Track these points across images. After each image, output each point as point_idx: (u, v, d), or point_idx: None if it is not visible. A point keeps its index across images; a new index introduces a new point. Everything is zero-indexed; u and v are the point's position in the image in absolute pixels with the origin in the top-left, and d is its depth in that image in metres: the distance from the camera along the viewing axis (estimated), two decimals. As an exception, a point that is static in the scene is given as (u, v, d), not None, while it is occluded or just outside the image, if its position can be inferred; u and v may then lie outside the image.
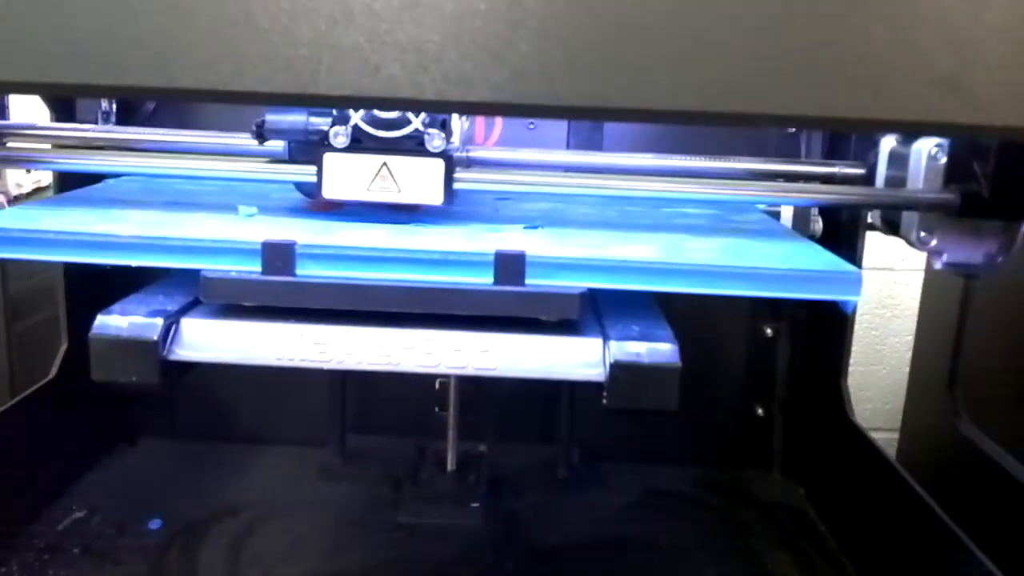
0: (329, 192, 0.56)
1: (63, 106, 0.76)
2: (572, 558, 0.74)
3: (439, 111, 0.54)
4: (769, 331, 0.88)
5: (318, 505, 0.79)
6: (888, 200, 0.59)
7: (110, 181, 0.73)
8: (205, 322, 0.50)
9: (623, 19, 0.36)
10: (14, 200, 1.06)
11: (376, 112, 0.56)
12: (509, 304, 0.49)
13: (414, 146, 0.56)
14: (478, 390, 0.83)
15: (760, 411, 0.90)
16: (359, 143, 0.56)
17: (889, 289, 1.25)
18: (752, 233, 0.61)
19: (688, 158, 0.67)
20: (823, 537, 0.79)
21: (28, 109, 0.76)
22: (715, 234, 0.60)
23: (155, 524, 0.74)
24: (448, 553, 0.73)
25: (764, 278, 0.50)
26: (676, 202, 0.66)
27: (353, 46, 0.35)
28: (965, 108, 0.37)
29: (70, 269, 0.77)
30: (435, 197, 0.56)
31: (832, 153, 0.78)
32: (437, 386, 0.82)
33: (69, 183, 0.74)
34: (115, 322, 0.48)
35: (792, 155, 0.81)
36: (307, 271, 0.50)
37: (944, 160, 0.55)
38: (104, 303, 0.51)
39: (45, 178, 0.97)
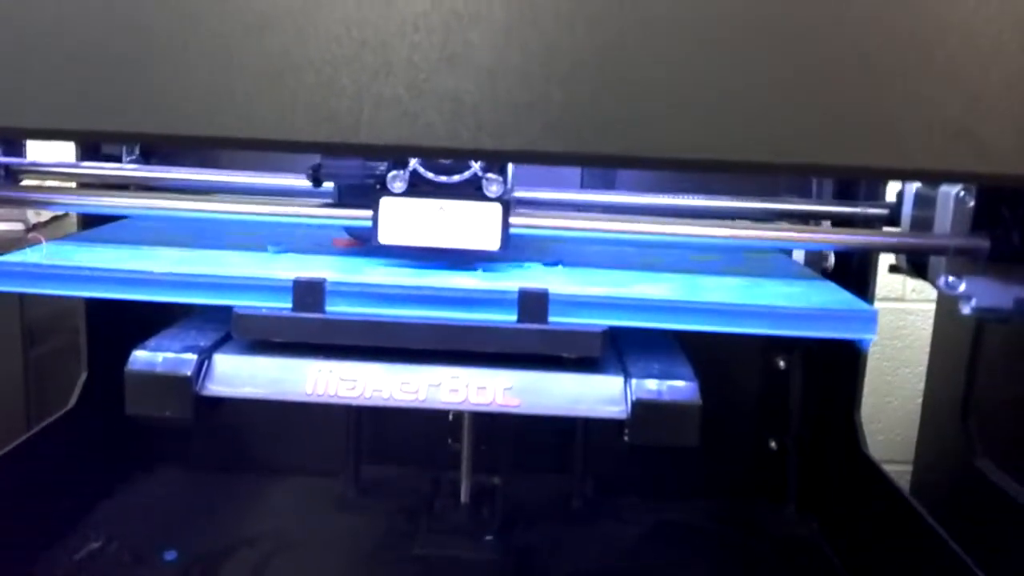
0: (386, 237, 0.56)
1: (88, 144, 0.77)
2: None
3: (474, 158, 0.55)
4: (782, 364, 0.89)
5: (333, 536, 0.80)
6: (916, 245, 0.60)
7: (135, 218, 0.74)
8: (237, 358, 0.51)
9: (647, 74, 0.37)
10: (33, 228, 1.08)
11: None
12: (532, 342, 0.50)
13: (471, 191, 0.56)
14: (492, 422, 0.83)
15: (774, 444, 0.90)
16: (415, 187, 0.56)
17: (900, 320, 1.25)
18: (768, 272, 0.63)
19: (712, 198, 0.68)
20: (837, 571, 0.79)
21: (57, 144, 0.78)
22: (732, 273, 0.61)
23: (170, 555, 0.75)
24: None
25: (781, 317, 0.51)
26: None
27: (393, 96, 0.37)
28: (979, 158, 0.38)
29: (92, 300, 0.78)
30: (492, 243, 0.56)
31: (844, 191, 0.80)
32: (451, 417, 0.82)
33: (93, 217, 0.75)
34: (150, 357, 0.50)
35: (803, 191, 0.83)
36: (336, 308, 0.51)
37: (972, 204, 0.55)
38: (124, 334, 0.52)
39: (44, 213, 0.98)
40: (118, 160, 0.80)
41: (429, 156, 0.54)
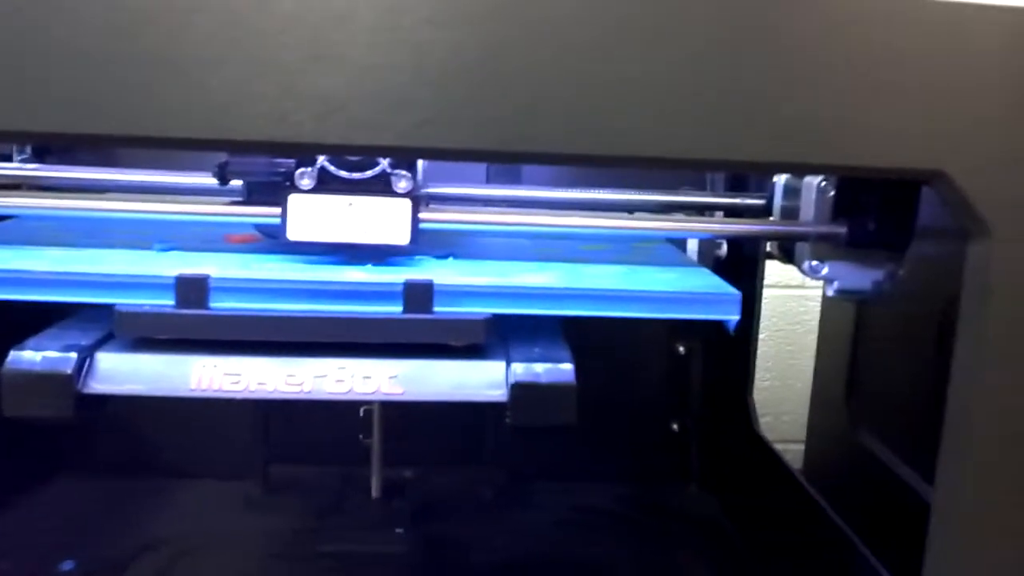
0: (294, 234, 0.57)
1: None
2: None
3: (345, 153, 0.56)
4: (682, 349, 0.93)
5: (240, 538, 0.79)
6: (781, 232, 0.64)
7: (22, 218, 0.73)
8: (119, 355, 0.51)
9: (516, 69, 0.39)
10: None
11: None
12: (418, 331, 0.52)
13: (380, 187, 0.57)
14: (403, 416, 0.84)
15: (676, 426, 0.94)
16: (324, 184, 0.57)
17: (801, 306, 1.31)
18: (651, 261, 0.65)
19: (609, 192, 0.71)
20: (736, 548, 0.83)
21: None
22: (616, 262, 0.64)
23: (68, 565, 0.73)
24: (373, 580, 0.74)
25: (652, 300, 0.53)
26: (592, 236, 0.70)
27: (261, 96, 0.38)
28: (834, 151, 0.41)
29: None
30: (402, 237, 0.57)
31: (736, 184, 0.84)
32: (362, 413, 0.83)
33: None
34: (28, 356, 0.49)
35: (701, 185, 0.87)
36: (221, 304, 0.51)
37: (832, 193, 0.59)
38: (8, 341, 0.51)
39: None
40: (8, 159, 0.78)
41: (298, 153, 0.54)
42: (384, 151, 0.46)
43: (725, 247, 0.84)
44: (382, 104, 0.39)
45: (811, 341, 1.30)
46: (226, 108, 0.38)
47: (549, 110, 0.40)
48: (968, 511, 0.44)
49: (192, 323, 0.51)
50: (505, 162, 0.78)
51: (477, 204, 0.70)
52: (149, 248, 0.62)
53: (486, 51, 0.39)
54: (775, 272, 1.21)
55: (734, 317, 0.54)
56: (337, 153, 0.55)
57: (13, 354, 0.49)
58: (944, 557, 0.45)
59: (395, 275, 0.55)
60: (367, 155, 0.55)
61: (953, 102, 0.40)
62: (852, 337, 0.86)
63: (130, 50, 0.38)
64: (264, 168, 0.58)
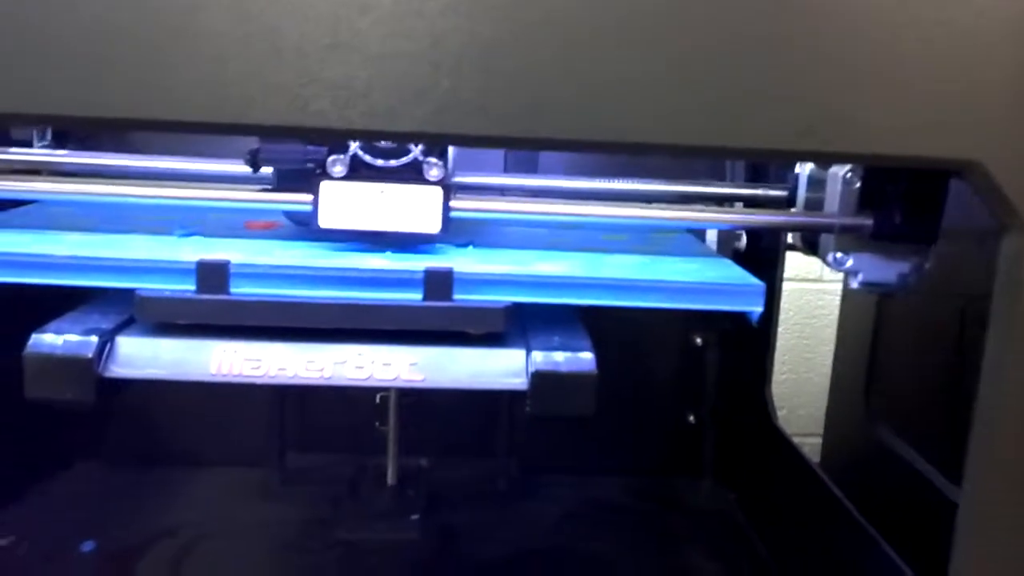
0: (326, 221, 0.56)
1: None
2: (509, 569, 0.76)
3: (365, 139, 0.55)
4: (699, 341, 0.92)
5: (257, 525, 0.79)
6: (806, 223, 0.63)
7: (44, 202, 0.73)
8: (140, 340, 0.51)
9: (532, 58, 0.39)
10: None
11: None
12: (437, 318, 0.52)
13: (412, 175, 0.56)
14: (419, 404, 0.84)
15: (692, 419, 0.94)
16: (356, 172, 0.56)
17: (819, 299, 1.30)
18: (670, 251, 0.65)
19: (631, 182, 0.70)
20: (752, 542, 0.82)
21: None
22: (636, 252, 0.63)
23: (88, 546, 0.74)
24: (386, 568, 0.74)
25: (673, 291, 0.53)
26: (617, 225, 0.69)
27: (282, 82, 0.37)
28: (860, 140, 0.41)
29: (-3, 291, 0.77)
30: (433, 226, 0.57)
31: (755, 176, 0.83)
32: (378, 400, 0.83)
33: (6, 205, 0.74)
34: (50, 340, 0.49)
35: (719, 177, 0.86)
36: (241, 289, 0.51)
37: (858, 184, 0.58)
38: (30, 324, 0.51)
39: None
40: (29, 146, 0.78)
41: (321, 139, 0.54)
42: (406, 136, 0.45)
43: (744, 239, 0.84)
44: (402, 90, 0.39)
45: (829, 335, 1.30)
46: (247, 94, 0.38)
47: (569, 96, 0.39)
48: (997, 509, 0.43)
49: (212, 308, 0.51)
50: (524, 148, 0.77)
51: (501, 193, 0.69)
52: (170, 234, 0.62)
53: (505, 37, 0.39)
54: (793, 265, 1.20)
55: (758, 308, 0.53)
56: (357, 139, 0.55)
57: (35, 337, 0.49)
58: (972, 556, 0.44)
59: (415, 263, 0.54)
60: (388, 140, 0.55)
61: (990, 90, 0.40)
62: (872, 331, 0.85)
63: (149, 34, 0.38)
64: (296, 155, 0.58)
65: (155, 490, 0.85)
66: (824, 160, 0.58)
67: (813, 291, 1.28)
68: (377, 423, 0.83)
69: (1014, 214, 0.40)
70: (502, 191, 0.70)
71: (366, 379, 0.50)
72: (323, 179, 0.56)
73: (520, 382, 0.50)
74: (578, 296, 0.53)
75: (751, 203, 0.74)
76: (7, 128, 0.76)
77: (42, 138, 0.79)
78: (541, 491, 0.90)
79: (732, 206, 0.76)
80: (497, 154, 0.86)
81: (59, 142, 0.78)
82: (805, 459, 0.78)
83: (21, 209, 0.71)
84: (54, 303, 0.55)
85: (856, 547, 0.64)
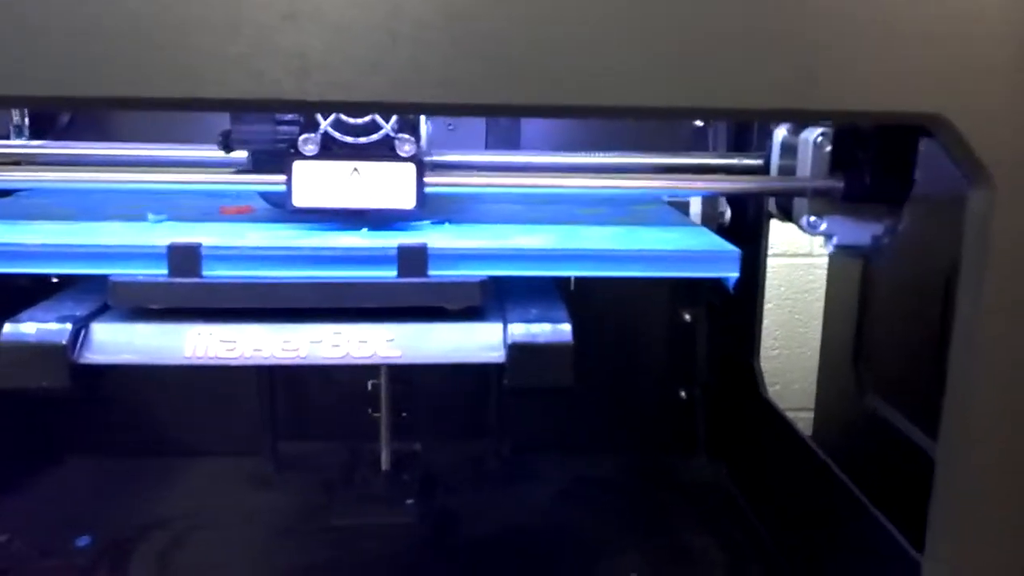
0: (300, 200, 0.56)
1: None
2: (505, 549, 0.76)
3: (321, 111, 0.55)
4: (688, 317, 0.92)
5: (250, 514, 0.80)
6: (778, 188, 0.63)
7: (21, 194, 0.73)
8: (114, 326, 0.51)
9: (491, 26, 0.38)
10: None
11: (345, 118, 0.56)
12: (413, 295, 0.51)
13: (385, 151, 0.56)
14: (410, 389, 0.84)
15: (683, 394, 0.94)
16: (328, 150, 0.56)
17: (809, 274, 1.30)
18: (648, 222, 0.65)
19: (607, 155, 0.70)
20: (745, 514, 0.82)
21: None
22: (613, 223, 0.63)
23: (83, 541, 0.74)
24: (382, 551, 0.74)
25: (649, 259, 0.53)
26: (591, 197, 0.69)
27: (239, 55, 0.37)
28: (830, 96, 0.40)
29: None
30: (407, 201, 0.56)
31: (737, 147, 0.82)
32: (369, 387, 0.83)
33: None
34: (24, 328, 0.49)
35: (703, 148, 0.85)
36: (214, 272, 0.51)
37: (829, 148, 0.58)
38: (5, 313, 0.51)
39: None
40: (6, 137, 0.78)
41: (276, 110, 0.54)
42: (365, 107, 0.45)
43: (728, 213, 0.84)
44: (359, 60, 0.38)
45: (819, 309, 1.29)
46: (203, 67, 0.38)
47: (534, 60, 0.39)
48: (972, 464, 0.43)
49: (186, 292, 0.50)
50: (487, 115, 0.77)
51: (480, 170, 0.69)
52: (144, 220, 0.61)
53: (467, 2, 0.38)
54: (782, 240, 1.20)
55: (733, 274, 0.53)
56: (316, 111, 0.54)
57: (8, 326, 0.49)
58: (948, 511, 0.44)
59: (390, 240, 0.54)
60: (348, 112, 0.54)
61: (954, 43, 0.39)
62: (859, 300, 0.85)
63: (103, 11, 0.37)
64: (267, 136, 0.57)
65: (148, 482, 0.85)
66: (792, 119, 0.58)
67: (803, 266, 1.28)
68: (369, 410, 0.83)
69: (980, 168, 0.40)
70: (483, 168, 0.70)
71: (342, 357, 0.50)
72: (296, 159, 0.56)
73: (498, 355, 0.50)
74: (552, 268, 0.53)
75: (730, 173, 0.73)
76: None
77: (19, 131, 0.79)
78: (534, 471, 0.90)
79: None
80: (479, 132, 0.86)
81: (37, 134, 0.78)
82: (795, 430, 0.78)
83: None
84: (29, 292, 0.55)
85: (848, 515, 0.64)
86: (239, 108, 0.53)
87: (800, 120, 0.57)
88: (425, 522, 0.79)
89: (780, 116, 0.57)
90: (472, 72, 0.38)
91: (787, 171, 0.63)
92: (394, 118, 0.56)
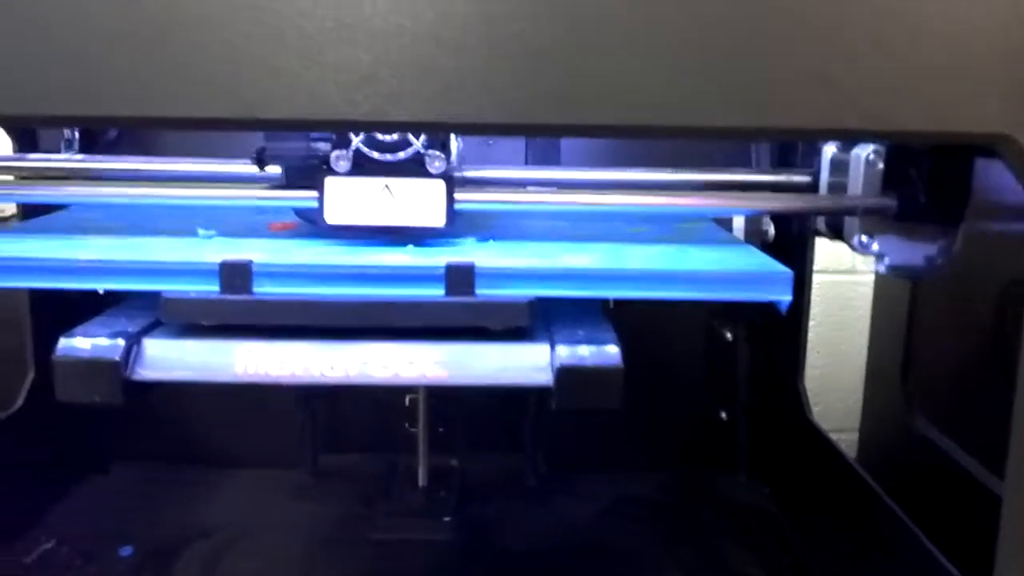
0: (332, 217, 0.57)
1: (26, 136, 0.77)
2: (542, 566, 0.75)
3: (375, 130, 0.55)
4: (729, 336, 0.91)
5: (290, 525, 0.80)
6: (829, 206, 0.62)
7: (73, 208, 0.74)
8: (166, 342, 0.51)
9: (542, 40, 0.38)
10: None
11: (376, 135, 0.56)
12: (460, 314, 0.51)
13: (415, 168, 0.57)
14: (448, 404, 0.84)
15: (724, 415, 0.92)
16: (360, 167, 0.57)
17: (851, 291, 1.28)
18: (695, 240, 0.64)
19: (649, 171, 0.69)
20: (788, 536, 0.81)
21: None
22: (659, 242, 0.62)
23: (126, 551, 0.75)
24: (420, 567, 0.74)
25: (699, 281, 0.52)
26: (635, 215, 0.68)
27: (287, 68, 0.37)
28: (893, 116, 0.39)
29: (35, 297, 0.78)
30: (437, 219, 0.57)
31: (781, 163, 0.81)
32: (407, 402, 0.83)
33: (35, 212, 0.75)
34: (78, 344, 0.50)
35: (745, 165, 0.84)
36: (264, 289, 0.52)
37: (881, 166, 0.57)
38: (59, 328, 0.52)
39: (8, 208, 0.97)
40: (57, 153, 0.79)
41: (329, 129, 0.54)
42: (410, 126, 0.45)
43: (772, 229, 0.82)
44: (408, 77, 0.38)
45: (863, 327, 1.27)
46: (252, 85, 0.38)
47: (582, 79, 0.38)
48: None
49: (237, 308, 0.51)
50: (532, 135, 0.76)
51: (514, 186, 0.69)
52: (192, 235, 0.62)
53: (514, 19, 0.38)
54: (825, 257, 1.18)
55: (786, 297, 0.52)
56: (366, 129, 0.54)
57: (63, 341, 0.50)
58: (1018, 550, 0.43)
59: (436, 258, 0.54)
60: (395, 130, 0.54)
61: (1021, 62, 0.38)
62: (907, 319, 0.83)
63: (147, 26, 0.37)
64: (300, 152, 0.58)
65: (190, 492, 0.86)
66: (850, 138, 0.57)
67: (846, 283, 1.26)
68: (407, 424, 0.83)
69: (1051, 191, 0.39)
70: (517, 184, 0.70)
71: (391, 377, 0.50)
72: (328, 175, 0.56)
73: (545, 377, 0.50)
74: (601, 288, 0.52)
75: (776, 190, 0.72)
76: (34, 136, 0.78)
77: (69, 145, 0.80)
78: (573, 488, 0.89)
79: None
80: (519, 148, 0.86)
81: (85, 148, 0.79)
82: (840, 453, 0.76)
83: (50, 216, 0.72)
84: (82, 307, 0.56)
85: (896, 542, 0.62)
86: (285, 128, 0.53)
87: (856, 140, 0.56)
88: (463, 539, 0.78)
89: (836, 136, 0.56)
90: (523, 86, 0.38)
91: (837, 188, 0.61)
92: (423, 135, 0.57)
